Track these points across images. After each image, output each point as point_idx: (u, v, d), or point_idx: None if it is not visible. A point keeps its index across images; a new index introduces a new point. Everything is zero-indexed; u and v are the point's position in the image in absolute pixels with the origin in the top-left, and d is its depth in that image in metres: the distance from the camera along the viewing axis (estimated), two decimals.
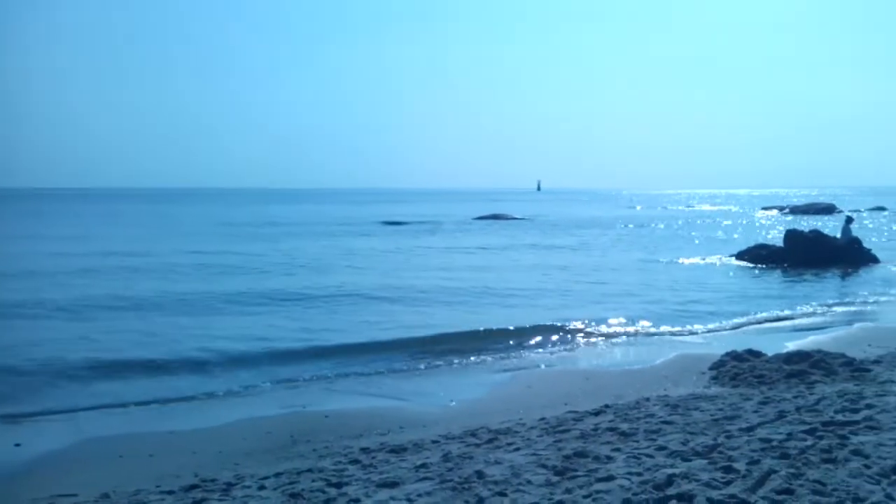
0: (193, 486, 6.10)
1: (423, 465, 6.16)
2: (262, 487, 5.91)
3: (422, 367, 11.18)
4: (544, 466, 5.93)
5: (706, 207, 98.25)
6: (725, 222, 59.76)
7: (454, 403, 9.01)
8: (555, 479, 5.64)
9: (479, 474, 5.79)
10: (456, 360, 11.49)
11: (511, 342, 12.73)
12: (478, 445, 6.74)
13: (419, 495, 5.41)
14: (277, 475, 6.21)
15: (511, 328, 13.56)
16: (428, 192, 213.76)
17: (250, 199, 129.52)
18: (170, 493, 5.98)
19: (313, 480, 5.95)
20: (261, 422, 8.24)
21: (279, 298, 17.80)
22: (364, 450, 6.97)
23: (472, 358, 11.66)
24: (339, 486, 5.76)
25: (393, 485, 5.70)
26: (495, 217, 62.90)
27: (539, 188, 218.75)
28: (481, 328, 13.57)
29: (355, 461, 6.57)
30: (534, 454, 6.29)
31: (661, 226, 54.69)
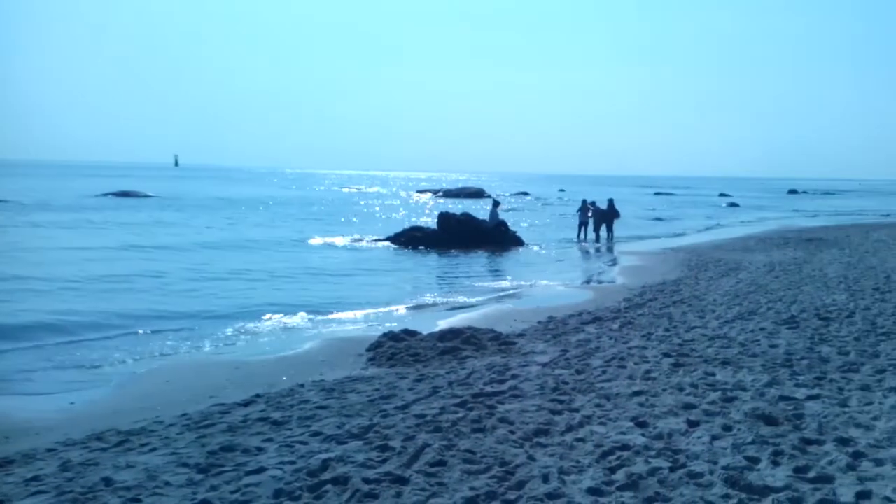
0: None
1: (36, 478, 5.58)
2: None
3: (32, 363, 10.06)
4: (186, 465, 5.74)
5: (361, 189, 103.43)
6: (380, 204, 63.55)
7: (74, 404, 8.23)
8: (198, 477, 5.49)
9: (107, 481, 5.42)
10: (76, 354, 10.55)
11: (141, 332, 12.06)
12: (104, 450, 6.26)
13: None
14: None
15: (142, 316, 12.85)
16: (43, 165, 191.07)
17: None
18: None
19: None
20: None
21: None
22: None
23: (95, 353, 10.77)
24: None
25: None
26: (125, 194, 58.93)
27: (177, 164, 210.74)
28: (111, 316, 12.64)
29: None
30: (173, 453, 6.04)
31: (318, 207, 56.16)
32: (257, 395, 8.04)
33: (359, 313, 14.17)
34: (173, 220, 37.65)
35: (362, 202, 66.63)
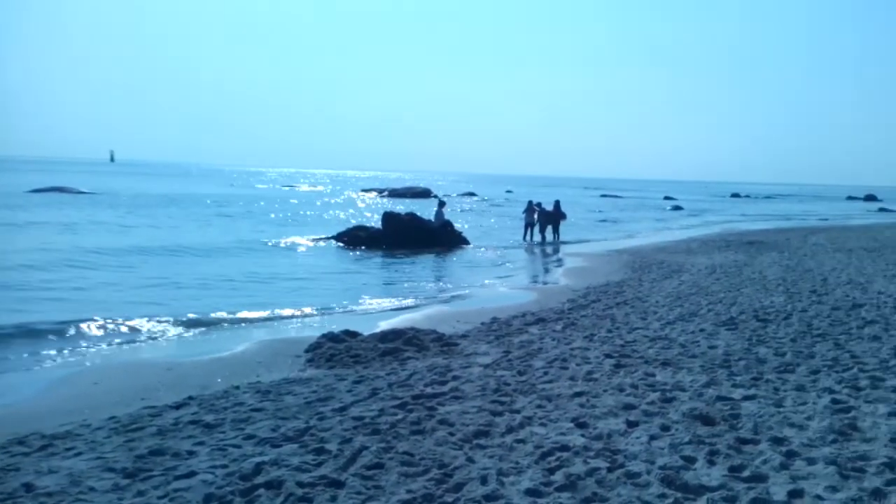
0: None
1: None
2: None
3: None
4: (112, 470, 5.60)
5: (305, 188, 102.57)
6: (323, 203, 63.10)
7: None
8: (125, 482, 5.37)
9: (28, 487, 5.27)
10: None
11: (68, 334, 11.71)
12: (27, 454, 6.08)
13: None
14: None
15: (74, 319, 12.46)
16: None
17: None
18: None
19: None
20: None
21: None
22: None
23: (19, 354, 10.45)
24: None
25: None
26: (59, 190, 57.42)
27: (112, 159, 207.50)
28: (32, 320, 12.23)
29: None
30: (99, 458, 5.89)
31: (258, 206, 55.49)
32: (190, 398, 7.89)
33: (298, 314, 14.02)
34: (105, 219, 36.68)
35: (305, 201, 66.00)
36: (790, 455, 5.82)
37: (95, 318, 12.60)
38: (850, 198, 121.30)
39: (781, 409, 7.07)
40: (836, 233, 36.56)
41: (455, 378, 8.39)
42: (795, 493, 5.10)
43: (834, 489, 5.15)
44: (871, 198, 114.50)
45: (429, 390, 7.86)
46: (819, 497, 5.04)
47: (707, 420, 6.76)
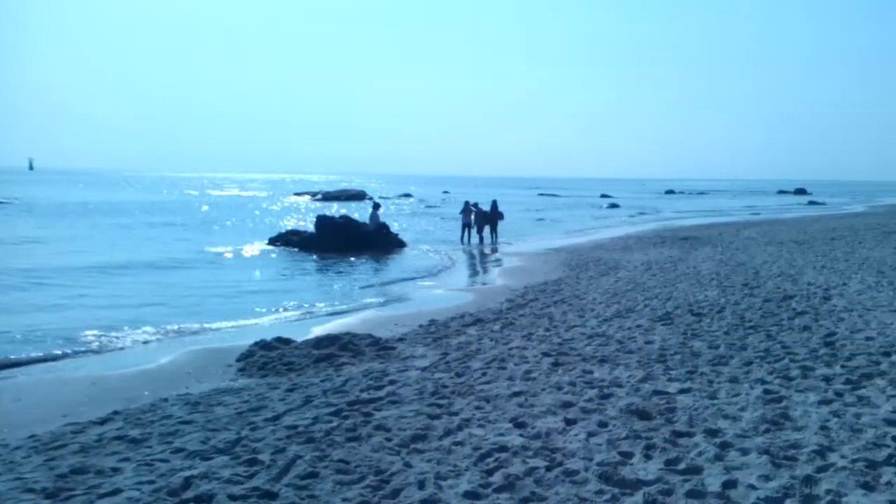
0: None
1: None
2: None
3: None
4: (32, 491, 5.43)
5: (235, 192, 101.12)
6: (256, 208, 62.29)
7: None
8: (45, 502, 5.20)
9: None
10: None
11: None
12: None
13: None
14: None
15: None
16: None
17: None
18: None
19: None
20: None
21: None
22: None
23: None
24: None
25: None
26: None
27: (31, 167, 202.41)
28: None
29: None
30: (18, 479, 5.69)
31: (187, 212, 54.44)
32: (115, 412, 7.69)
33: (230, 322, 13.79)
34: (25, 230, 35.47)
35: (235, 206, 65.01)
36: (724, 446, 5.98)
37: (15, 334, 12.18)
38: (781, 192, 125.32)
39: (716, 401, 7.25)
40: (767, 226, 37.67)
41: (392, 382, 8.36)
42: (729, 484, 5.23)
43: (766, 478, 5.30)
44: (801, 191, 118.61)
45: (365, 396, 7.82)
46: (752, 486, 5.18)
47: (644, 415, 6.89)
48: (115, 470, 5.85)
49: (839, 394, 7.40)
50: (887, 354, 8.96)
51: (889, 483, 5.16)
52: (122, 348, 11.80)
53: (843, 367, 8.46)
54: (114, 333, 12.55)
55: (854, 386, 7.68)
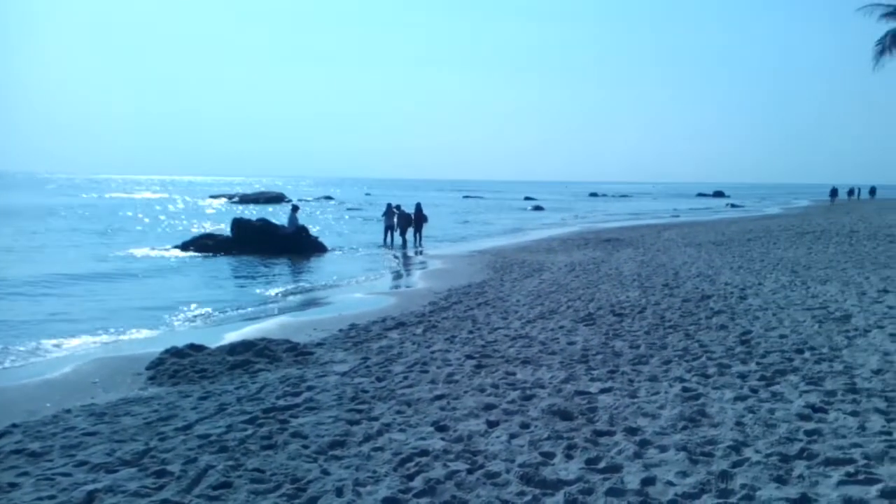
0: None
1: None
2: None
3: None
4: None
5: (148, 195, 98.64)
6: (168, 212, 60.85)
7: None
8: None
9: None
10: None
11: None
12: None
13: None
14: None
15: None
16: None
17: None
18: None
19: None
20: None
21: None
22: None
23: None
24: None
25: None
26: None
27: None
28: None
29: None
30: None
31: (95, 215, 52.78)
32: (13, 425, 7.36)
33: (139, 329, 13.39)
34: None
35: (146, 209, 63.36)
36: (643, 444, 6.10)
37: None
38: (700, 195, 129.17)
39: (636, 400, 7.40)
40: (687, 228, 38.72)
41: (310, 388, 8.26)
42: (648, 481, 5.34)
43: (684, 474, 5.43)
44: (719, 194, 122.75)
45: (281, 402, 7.70)
46: (670, 483, 5.30)
47: (566, 415, 6.98)
48: (13, 485, 5.60)
49: (754, 390, 7.66)
50: (800, 351, 9.33)
51: (801, 476, 5.35)
52: (23, 360, 11.31)
53: (757, 364, 8.76)
54: (14, 346, 11.99)
55: (768, 382, 7.96)
